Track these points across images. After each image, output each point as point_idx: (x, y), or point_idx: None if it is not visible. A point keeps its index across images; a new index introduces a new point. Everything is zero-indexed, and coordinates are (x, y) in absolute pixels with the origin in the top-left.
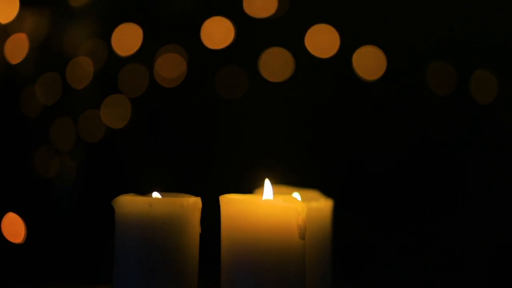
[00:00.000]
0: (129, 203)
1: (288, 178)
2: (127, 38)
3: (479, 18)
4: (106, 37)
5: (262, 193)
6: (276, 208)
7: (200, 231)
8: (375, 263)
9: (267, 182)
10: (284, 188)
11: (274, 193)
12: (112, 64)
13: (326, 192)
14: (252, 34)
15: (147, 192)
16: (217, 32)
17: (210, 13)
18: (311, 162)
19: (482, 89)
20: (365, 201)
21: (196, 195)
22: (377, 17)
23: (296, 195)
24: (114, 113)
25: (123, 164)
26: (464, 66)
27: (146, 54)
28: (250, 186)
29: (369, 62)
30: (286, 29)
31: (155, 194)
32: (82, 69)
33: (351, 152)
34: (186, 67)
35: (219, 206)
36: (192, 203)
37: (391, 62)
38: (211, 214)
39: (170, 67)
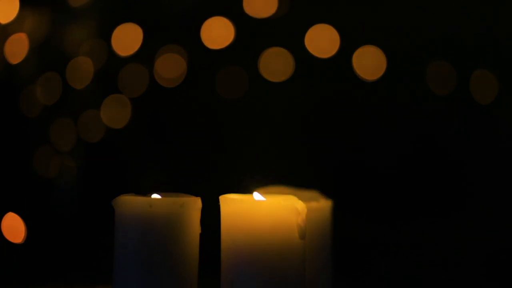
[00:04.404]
0: (129, 203)
1: (288, 178)
2: (127, 38)
3: (479, 18)
4: (106, 37)
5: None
6: (276, 208)
7: (200, 231)
8: (375, 263)
9: (256, 194)
10: (283, 188)
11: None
12: (112, 64)
13: (326, 192)
14: (252, 34)
15: (147, 192)
16: (217, 32)
17: (210, 13)
18: (311, 162)
19: (482, 89)
20: (365, 201)
21: (196, 195)
22: (377, 17)
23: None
24: (114, 113)
25: (123, 164)
26: (464, 66)
27: (146, 54)
28: (250, 186)
29: (369, 62)
30: (286, 29)
31: (155, 196)
32: (82, 69)
33: (351, 152)
34: (186, 67)
35: (219, 206)
36: (192, 203)
37: (391, 62)
38: (211, 214)
39: (170, 67)
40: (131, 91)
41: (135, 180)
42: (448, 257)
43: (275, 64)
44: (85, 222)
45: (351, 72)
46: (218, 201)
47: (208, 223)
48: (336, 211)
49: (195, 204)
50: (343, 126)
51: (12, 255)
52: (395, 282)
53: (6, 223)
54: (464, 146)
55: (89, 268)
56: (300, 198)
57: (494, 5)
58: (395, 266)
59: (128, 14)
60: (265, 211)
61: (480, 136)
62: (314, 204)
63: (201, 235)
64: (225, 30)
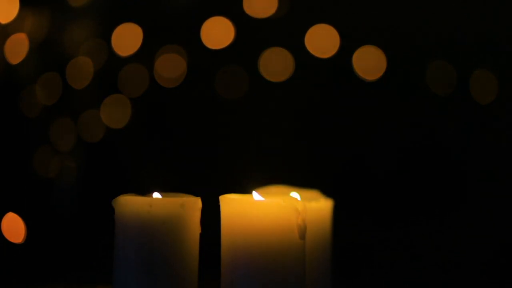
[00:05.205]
0: (129, 203)
1: (288, 178)
2: (127, 38)
3: (479, 18)
4: (106, 37)
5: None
6: (276, 208)
7: (200, 231)
8: (375, 263)
9: (255, 194)
10: (284, 188)
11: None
12: (112, 64)
13: (326, 192)
14: (252, 34)
15: (147, 192)
16: (217, 32)
17: (210, 13)
18: (311, 162)
19: (482, 89)
20: (365, 202)
21: (196, 195)
22: (377, 17)
23: (295, 194)
24: (114, 113)
25: (123, 164)
26: (464, 66)
27: (146, 54)
28: (250, 186)
29: (369, 62)
30: (286, 29)
31: (156, 195)
32: (82, 69)
33: (351, 152)
34: (186, 67)
35: (219, 206)
36: (192, 203)
37: (391, 62)
38: (211, 214)
39: (170, 67)
40: (131, 91)
41: (135, 180)
42: (448, 257)
43: (275, 64)
44: (85, 222)
45: (351, 72)
46: (218, 201)
47: (208, 223)
48: (336, 211)
49: (195, 204)
50: (343, 126)
51: (12, 255)
52: (395, 282)
53: (6, 223)
54: (464, 146)
55: (89, 268)
56: (300, 198)
57: (494, 5)
58: (395, 266)
59: (128, 14)
60: (265, 211)
61: (480, 136)
62: (314, 204)
63: (201, 235)
64: (225, 30)
